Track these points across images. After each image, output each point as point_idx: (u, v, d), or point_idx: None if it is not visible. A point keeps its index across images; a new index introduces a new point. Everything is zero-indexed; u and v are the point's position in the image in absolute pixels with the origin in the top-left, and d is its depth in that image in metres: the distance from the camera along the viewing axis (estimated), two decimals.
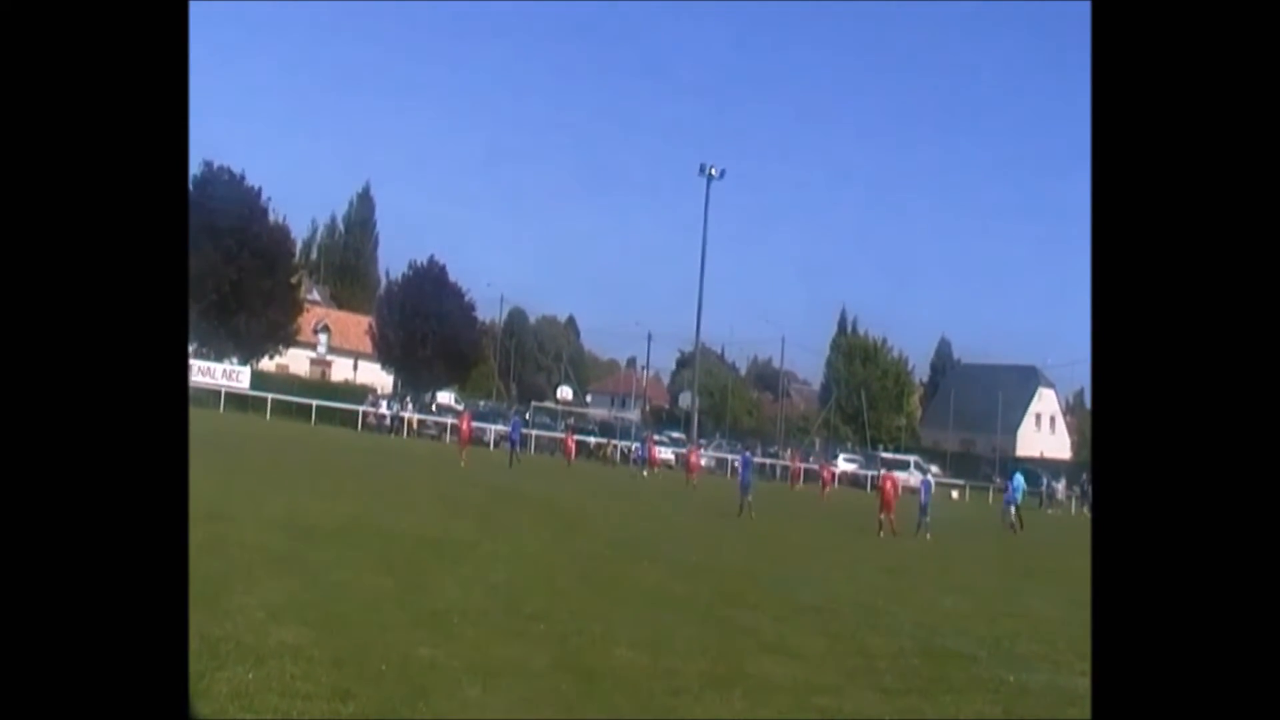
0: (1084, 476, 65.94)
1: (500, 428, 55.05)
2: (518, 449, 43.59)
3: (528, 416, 67.05)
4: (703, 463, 60.62)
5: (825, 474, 51.61)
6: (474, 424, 57.60)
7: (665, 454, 58.28)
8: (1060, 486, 63.66)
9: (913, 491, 51.40)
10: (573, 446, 52.12)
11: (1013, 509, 36.24)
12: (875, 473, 61.52)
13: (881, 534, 26.98)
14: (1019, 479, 39.18)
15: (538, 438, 59.46)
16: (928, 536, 28.09)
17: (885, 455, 69.98)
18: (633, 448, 58.12)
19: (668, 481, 45.20)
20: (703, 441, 68.11)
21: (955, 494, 61.04)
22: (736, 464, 63.27)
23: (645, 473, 49.36)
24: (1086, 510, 58.46)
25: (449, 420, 56.84)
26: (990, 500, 54.26)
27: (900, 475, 37.84)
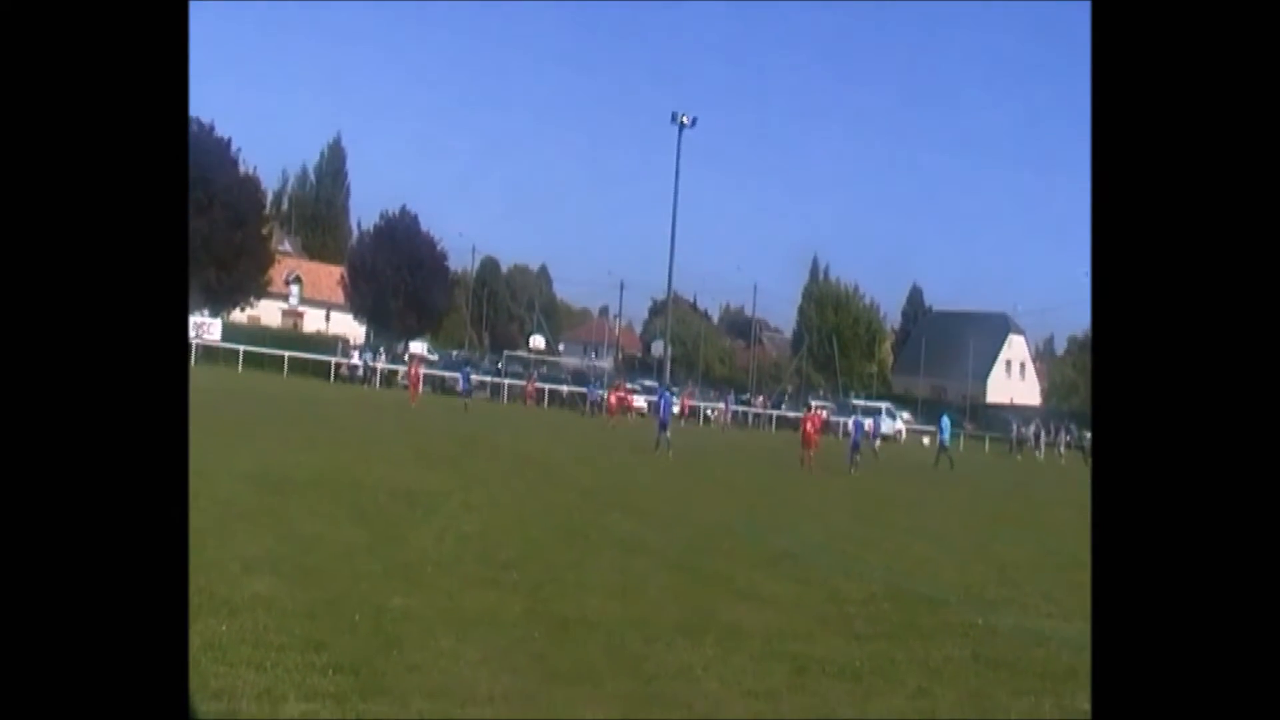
0: (1049, 423, 66.61)
1: (475, 376, 56.82)
2: (469, 396, 50.54)
3: (500, 365, 67.86)
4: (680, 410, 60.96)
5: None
6: (444, 373, 58.56)
7: (639, 402, 58.52)
8: (1031, 432, 64.11)
9: (885, 438, 52.19)
10: (532, 392, 58.22)
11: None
12: (845, 418, 62.02)
13: (809, 468, 29.09)
14: (945, 420, 44.56)
15: (510, 386, 60.13)
16: (853, 473, 30.51)
17: (857, 402, 70.30)
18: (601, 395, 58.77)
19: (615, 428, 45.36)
20: (671, 386, 68.24)
21: (926, 440, 61.46)
22: (708, 412, 63.95)
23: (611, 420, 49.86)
24: (1052, 454, 59.15)
25: (422, 370, 56.81)
26: (962, 446, 54.85)
27: (868, 421, 41.80)
